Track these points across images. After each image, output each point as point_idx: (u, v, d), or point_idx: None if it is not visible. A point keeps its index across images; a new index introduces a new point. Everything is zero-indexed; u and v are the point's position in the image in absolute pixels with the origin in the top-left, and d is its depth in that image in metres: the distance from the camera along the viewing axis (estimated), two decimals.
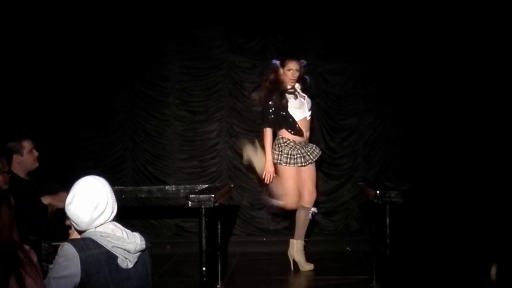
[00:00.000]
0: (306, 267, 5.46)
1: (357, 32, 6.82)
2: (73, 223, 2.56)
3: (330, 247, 6.39)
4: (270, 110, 5.32)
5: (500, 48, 6.56)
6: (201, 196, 4.44)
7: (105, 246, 2.48)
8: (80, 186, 2.55)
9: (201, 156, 6.98)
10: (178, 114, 6.98)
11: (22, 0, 6.52)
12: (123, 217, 2.71)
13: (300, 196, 5.38)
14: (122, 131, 6.98)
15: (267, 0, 6.82)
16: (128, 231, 2.58)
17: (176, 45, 6.96)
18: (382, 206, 4.52)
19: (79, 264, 2.40)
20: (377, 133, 6.91)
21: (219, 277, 5.14)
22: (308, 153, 5.35)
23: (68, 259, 2.41)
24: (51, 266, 2.54)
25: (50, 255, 2.74)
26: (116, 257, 2.50)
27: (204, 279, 4.40)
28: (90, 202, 2.51)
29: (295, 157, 5.28)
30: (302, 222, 5.45)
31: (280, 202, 5.41)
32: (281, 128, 5.35)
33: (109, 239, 2.49)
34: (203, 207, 4.40)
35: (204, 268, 4.39)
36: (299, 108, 5.34)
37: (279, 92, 5.32)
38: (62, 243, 2.49)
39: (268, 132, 5.36)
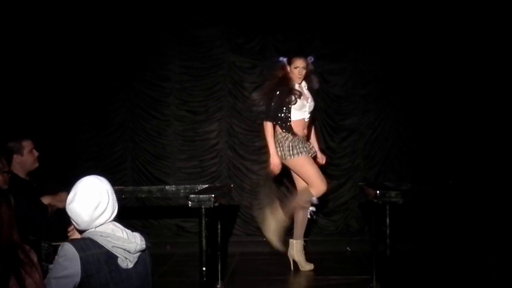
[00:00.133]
0: (306, 267, 5.46)
1: (357, 32, 6.82)
2: (73, 222, 2.57)
3: (330, 247, 6.39)
4: (273, 104, 5.31)
5: (500, 48, 6.56)
6: (201, 196, 4.44)
7: (105, 246, 2.48)
8: (81, 185, 2.56)
9: (201, 156, 6.98)
10: (178, 114, 6.98)
11: (22, 0, 6.52)
12: (123, 217, 2.71)
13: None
14: (122, 131, 6.99)
15: (267, 0, 6.82)
16: (128, 231, 2.58)
17: (176, 45, 6.96)
18: (382, 206, 4.52)
19: (79, 264, 2.41)
20: (377, 133, 6.91)
21: (219, 277, 5.14)
22: (307, 148, 5.35)
23: (68, 259, 2.41)
24: (51, 266, 2.55)
25: (50, 255, 2.75)
26: (116, 257, 2.50)
27: (204, 279, 4.40)
28: (91, 201, 2.52)
29: (298, 146, 5.28)
30: (300, 221, 5.43)
31: (313, 197, 5.33)
32: (277, 124, 5.35)
33: (109, 239, 2.49)
34: (203, 207, 4.40)
35: (204, 268, 4.39)
36: (299, 110, 5.33)
37: (288, 89, 5.31)
38: (62, 243, 2.49)
39: (269, 125, 5.35)
